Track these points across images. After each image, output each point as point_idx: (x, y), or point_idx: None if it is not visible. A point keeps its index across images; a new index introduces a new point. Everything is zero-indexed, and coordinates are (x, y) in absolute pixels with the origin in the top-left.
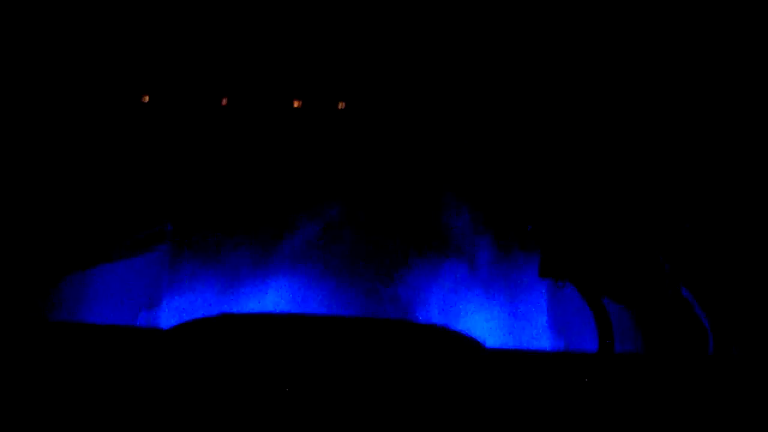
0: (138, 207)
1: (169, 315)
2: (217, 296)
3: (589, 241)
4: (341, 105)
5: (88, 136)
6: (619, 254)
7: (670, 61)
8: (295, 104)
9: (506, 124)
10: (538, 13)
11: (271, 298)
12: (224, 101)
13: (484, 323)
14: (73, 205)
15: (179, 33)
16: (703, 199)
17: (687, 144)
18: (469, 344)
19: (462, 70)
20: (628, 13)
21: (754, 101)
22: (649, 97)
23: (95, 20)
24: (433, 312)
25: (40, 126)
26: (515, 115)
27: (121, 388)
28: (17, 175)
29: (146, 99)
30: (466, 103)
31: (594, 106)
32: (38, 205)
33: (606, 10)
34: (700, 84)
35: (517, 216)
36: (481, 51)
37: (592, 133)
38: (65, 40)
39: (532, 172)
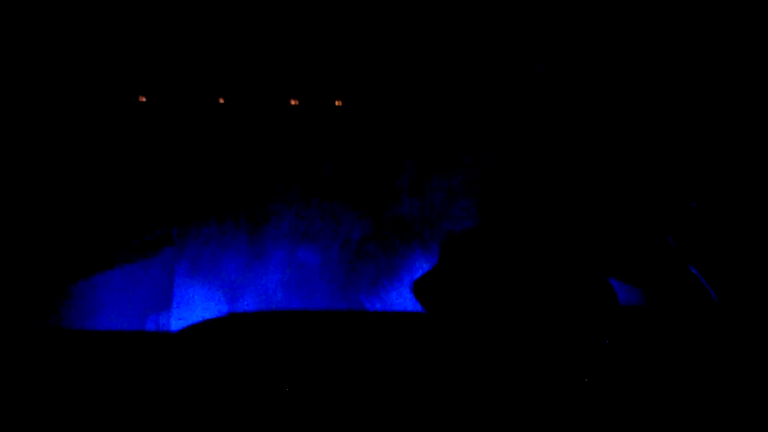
0: (142, 210)
1: (177, 318)
2: (223, 297)
3: (594, 223)
4: (338, 103)
5: (90, 141)
6: (625, 234)
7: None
8: (292, 102)
9: (505, 111)
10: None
11: (277, 294)
12: (221, 100)
13: None
14: (75, 209)
15: (175, 33)
16: (710, 176)
17: (692, 123)
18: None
19: (471, 60)
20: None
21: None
22: (653, 80)
23: (92, 21)
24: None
25: (41, 129)
26: (513, 101)
27: (132, 393)
28: (19, 180)
29: (143, 99)
30: (465, 97)
31: (593, 88)
32: (40, 211)
33: None
34: (706, 68)
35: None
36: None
37: (592, 114)
38: (64, 42)
39: (531, 159)
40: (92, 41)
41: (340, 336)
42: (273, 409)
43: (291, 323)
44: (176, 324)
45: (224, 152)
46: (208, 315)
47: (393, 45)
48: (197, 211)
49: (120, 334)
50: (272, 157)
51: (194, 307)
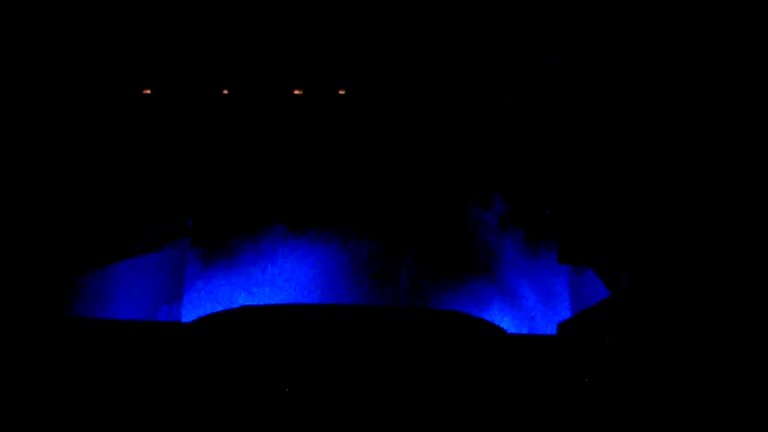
0: (157, 203)
1: (189, 309)
2: (235, 289)
3: (605, 224)
4: (341, 91)
5: (105, 135)
6: (637, 235)
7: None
8: (296, 92)
9: (520, 112)
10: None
11: (288, 287)
12: (225, 91)
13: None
14: (92, 201)
15: (182, 28)
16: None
17: (702, 126)
18: (491, 330)
19: (473, 50)
20: None
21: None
22: (668, 87)
23: (101, 18)
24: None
25: (59, 126)
26: (528, 103)
27: (144, 382)
28: (38, 173)
29: (148, 92)
30: (478, 88)
31: (613, 93)
32: (58, 203)
33: None
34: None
35: (534, 201)
36: (491, 34)
37: (607, 118)
38: (74, 40)
39: (546, 157)
40: (102, 37)
41: (348, 328)
42: (282, 400)
43: (300, 316)
44: (190, 315)
45: (231, 143)
46: (223, 306)
47: (395, 34)
48: (212, 204)
49: (133, 324)
50: (277, 146)
51: (209, 297)
